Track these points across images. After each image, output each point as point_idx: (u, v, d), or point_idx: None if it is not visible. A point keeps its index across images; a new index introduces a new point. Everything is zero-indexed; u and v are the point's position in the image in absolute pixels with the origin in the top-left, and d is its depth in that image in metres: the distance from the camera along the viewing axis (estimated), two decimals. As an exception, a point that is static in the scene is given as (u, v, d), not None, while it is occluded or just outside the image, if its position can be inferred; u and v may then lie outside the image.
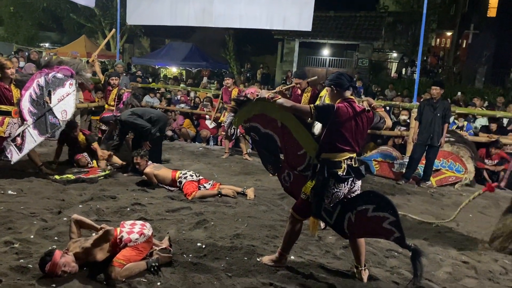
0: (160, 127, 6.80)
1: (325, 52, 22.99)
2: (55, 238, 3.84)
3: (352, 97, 3.24)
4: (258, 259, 3.59)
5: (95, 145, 6.58)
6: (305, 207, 3.31)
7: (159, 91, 11.57)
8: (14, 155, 5.66)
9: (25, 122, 5.71)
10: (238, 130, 8.09)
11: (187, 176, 5.60)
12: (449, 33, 22.81)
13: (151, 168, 5.77)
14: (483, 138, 7.70)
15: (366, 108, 3.18)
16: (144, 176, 5.81)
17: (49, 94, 5.89)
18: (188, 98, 11.48)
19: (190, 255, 3.62)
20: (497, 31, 18.71)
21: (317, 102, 5.46)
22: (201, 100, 10.71)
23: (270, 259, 3.55)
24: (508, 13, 18.05)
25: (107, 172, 6.15)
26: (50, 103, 5.85)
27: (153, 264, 3.29)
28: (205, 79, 17.92)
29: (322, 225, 4.14)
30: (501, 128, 8.15)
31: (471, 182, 6.96)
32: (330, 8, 21.72)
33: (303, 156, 3.44)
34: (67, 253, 3.16)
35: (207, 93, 11.21)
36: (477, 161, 7.08)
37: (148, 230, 3.43)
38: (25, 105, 5.72)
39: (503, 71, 19.28)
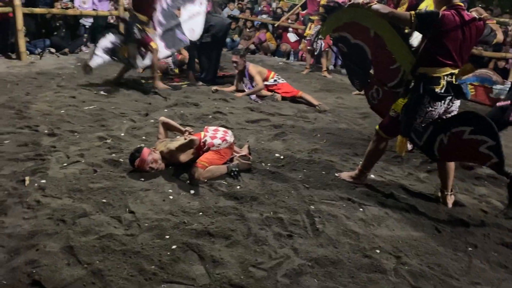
0: (215, 33, 6.36)
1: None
2: (143, 137, 4.07)
3: (461, 3, 2.83)
4: (336, 174, 3.53)
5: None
6: (393, 125, 3.10)
7: (242, 1, 11.25)
8: (139, 62, 5.82)
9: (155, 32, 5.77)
10: (323, 43, 7.72)
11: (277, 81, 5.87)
12: None
13: (254, 67, 5.98)
14: None
15: (477, 17, 2.78)
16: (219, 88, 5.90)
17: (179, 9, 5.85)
18: (271, 8, 11.06)
19: (269, 164, 3.66)
20: None
21: None
22: (283, 10, 10.26)
23: (349, 175, 3.47)
24: None
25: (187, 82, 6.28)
26: (179, 16, 5.82)
27: (234, 169, 3.37)
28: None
29: (409, 146, 3.92)
30: None
31: None
32: None
33: (396, 70, 3.14)
34: (154, 151, 3.33)
35: (294, 4, 10.67)
36: None
37: (230, 137, 3.49)
38: (156, 15, 5.75)
39: None
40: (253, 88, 5.89)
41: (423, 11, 2.84)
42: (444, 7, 2.82)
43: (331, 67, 8.21)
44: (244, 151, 3.66)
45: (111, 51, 5.52)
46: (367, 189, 3.34)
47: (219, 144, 3.40)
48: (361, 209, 3.01)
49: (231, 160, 3.51)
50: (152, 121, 4.51)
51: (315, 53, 8.15)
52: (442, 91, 2.82)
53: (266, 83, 5.96)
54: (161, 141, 3.49)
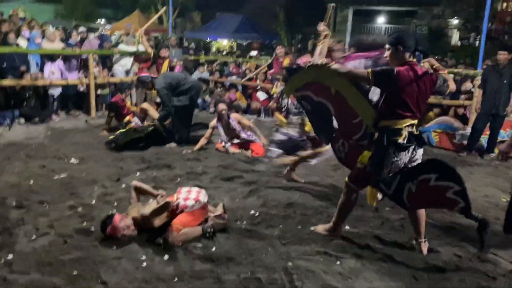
0: (192, 95, 6.47)
1: (381, 20, 21.97)
2: (115, 203, 4.00)
3: (413, 59, 3.04)
4: (312, 228, 3.54)
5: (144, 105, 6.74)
6: (362, 176, 3.19)
7: (211, 65, 11.63)
8: None
9: None
10: (289, 100, 7.97)
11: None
12: (518, -4, 21.00)
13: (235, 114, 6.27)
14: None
15: (429, 71, 2.98)
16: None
17: None
18: (240, 70, 11.45)
19: (244, 222, 3.65)
20: None
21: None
22: (251, 71, 10.64)
23: (324, 228, 3.49)
24: None
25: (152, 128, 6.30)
26: None
27: (209, 229, 3.34)
28: (253, 52, 17.79)
29: (379, 196, 3.99)
30: None
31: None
32: (386, -28, 20.62)
33: (359, 124, 3.26)
34: (126, 217, 3.28)
35: (257, 64, 11.11)
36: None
37: (203, 196, 3.48)
38: None
39: None
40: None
41: (379, 68, 3.02)
42: (399, 63, 3.01)
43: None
44: (219, 210, 3.64)
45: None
46: (343, 241, 3.35)
47: (192, 205, 3.38)
48: (338, 262, 3.01)
49: (206, 220, 3.48)
50: (124, 186, 4.46)
51: (283, 110, 8.38)
52: (405, 141, 2.95)
53: (243, 135, 6.13)
54: (133, 206, 3.45)
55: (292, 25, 25.50)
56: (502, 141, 6.55)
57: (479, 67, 7.75)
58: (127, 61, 8.94)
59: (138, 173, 4.94)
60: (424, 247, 3.24)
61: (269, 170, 5.31)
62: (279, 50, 8.16)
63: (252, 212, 3.87)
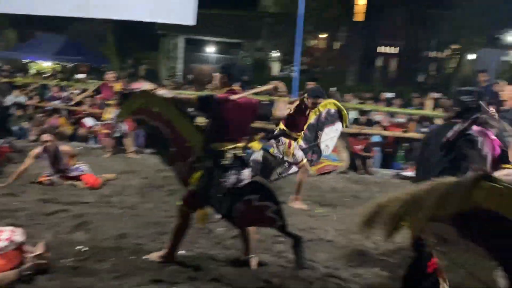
0: None
1: (211, 50, 23.08)
2: None
3: (237, 88, 3.28)
4: (146, 257, 3.46)
5: None
6: (193, 198, 3.27)
7: (29, 88, 10.53)
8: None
9: None
10: (126, 125, 7.72)
11: None
12: (324, 35, 24.56)
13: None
14: (354, 129, 8.46)
15: (253, 101, 3.26)
16: None
17: None
18: (64, 94, 10.63)
19: (70, 260, 3.35)
20: (365, 34, 20.76)
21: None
22: (78, 95, 9.99)
23: (158, 256, 3.44)
24: (373, 18, 20.14)
25: None
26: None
27: (26, 272, 2.97)
28: (81, 75, 16.77)
29: (216, 217, 4.13)
30: (369, 121, 9.04)
31: (345, 170, 7.61)
32: (213, 5, 21.83)
33: (191, 147, 3.39)
34: None
35: (85, 89, 10.49)
36: (350, 149, 7.76)
37: (18, 236, 3.09)
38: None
39: (370, 70, 21.56)
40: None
41: (203, 94, 3.20)
42: (224, 90, 3.23)
43: (135, 147, 8.19)
44: (39, 250, 3.27)
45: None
46: (178, 266, 3.34)
47: (5, 246, 2.97)
48: (172, 289, 2.99)
49: (23, 262, 3.08)
50: None
51: (116, 135, 8.06)
52: (230, 163, 3.15)
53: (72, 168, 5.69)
54: None
55: (123, 50, 24.83)
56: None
57: (295, 96, 8.76)
58: None
59: None
60: (254, 262, 3.45)
61: (99, 200, 5.01)
62: (109, 75, 7.86)
63: (80, 247, 3.59)
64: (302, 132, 5.39)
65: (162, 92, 3.14)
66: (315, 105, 5.25)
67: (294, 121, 5.23)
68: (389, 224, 1.83)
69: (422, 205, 1.73)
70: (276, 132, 5.42)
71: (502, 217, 1.61)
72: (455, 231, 1.78)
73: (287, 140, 5.22)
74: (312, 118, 5.44)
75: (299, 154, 5.25)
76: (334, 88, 14.25)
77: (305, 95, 5.25)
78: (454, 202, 1.69)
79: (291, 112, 4.95)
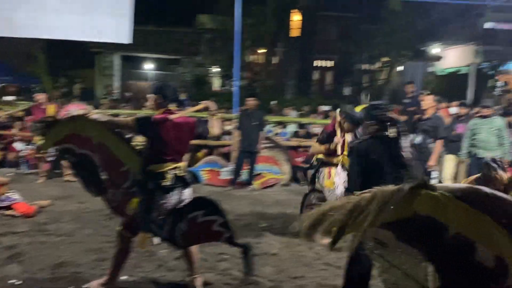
0: None
1: (149, 66, 22.75)
2: None
3: (173, 108, 3.28)
4: (85, 286, 3.33)
5: None
6: (133, 223, 3.20)
7: None
8: None
9: None
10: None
11: None
12: (262, 51, 25.03)
13: None
14: (294, 142, 8.69)
15: (190, 120, 3.27)
16: None
17: None
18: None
19: (2, 296, 3.15)
20: (301, 49, 21.46)
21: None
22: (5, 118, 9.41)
23: (98, 284, 3.33)
24: (309, 33, 20.90)
25: None
26: None
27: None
28: (9, 97, 15.83)
29: (155, 240, 4.04)
30: (308, 133, 9.32)
31: (287, 182, 7.77)
32: (149, 22, 21.57)
33: (127, 172, 3.30)
34: None
35: (13, 111, 9.91)
36: (291, 162, 7.96)
37: None
38: None
39: (307, 83, 22.27)
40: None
41: (141, 116, 3.16)
42: (160, 111, 3.22)
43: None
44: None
45: None
46: (119, 293, 3.25)
47: None
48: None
49: None
50: None
51: (50, 159, 7.68)
52: (170, 183, 3.13)
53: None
54: None
55: (55, 68, 23.79)
56: (259, 174, 7.61)
57: (235, 111, 8.86)
58: None
59: None
60: (199, 282, 3.43)
61: (33, 229, 4.75)
62: (39, 96, 7.51)
63: (11, 281, 3.38)
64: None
65: (96, 116, 3.06)
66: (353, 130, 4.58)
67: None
68: (334, 232, 1.92)
69: (365, 212, 1.85)
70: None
71: (435, 221, 1.81)
72: (392, 235, 1.95)
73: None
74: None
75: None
76: (275, 102, 14.61)
77: (342, 116, 4.59)
78: (394, 209, 1.83)
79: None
